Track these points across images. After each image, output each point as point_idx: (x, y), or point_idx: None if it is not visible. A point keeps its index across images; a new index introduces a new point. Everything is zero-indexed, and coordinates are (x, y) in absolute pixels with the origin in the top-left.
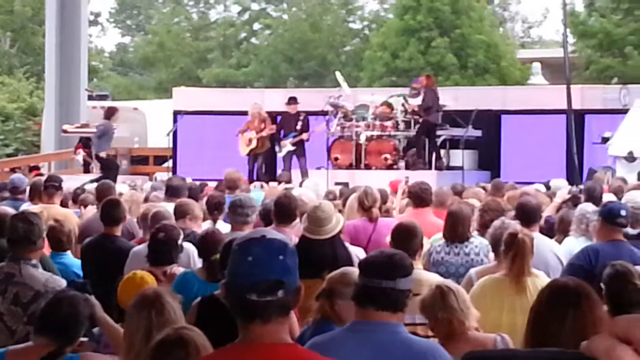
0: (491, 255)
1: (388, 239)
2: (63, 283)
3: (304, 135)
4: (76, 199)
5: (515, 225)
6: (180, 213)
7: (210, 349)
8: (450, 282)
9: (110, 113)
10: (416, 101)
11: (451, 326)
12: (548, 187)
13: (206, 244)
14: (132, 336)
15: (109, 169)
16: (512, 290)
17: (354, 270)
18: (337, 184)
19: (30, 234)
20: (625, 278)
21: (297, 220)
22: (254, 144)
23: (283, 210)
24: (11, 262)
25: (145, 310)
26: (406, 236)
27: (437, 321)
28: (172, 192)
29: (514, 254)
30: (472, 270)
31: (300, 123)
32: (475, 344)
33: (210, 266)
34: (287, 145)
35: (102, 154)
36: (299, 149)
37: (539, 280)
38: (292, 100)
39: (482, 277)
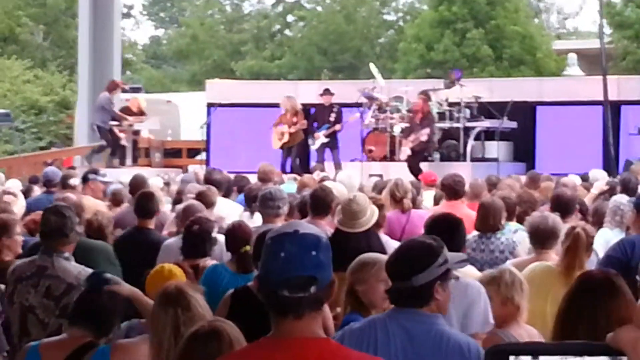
0: (518, 249)
1: (422, 230)
2: None
3: (337, 127)
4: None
5: (555, 217)
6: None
7: (244, 342)
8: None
9: (112, 87)
10: (424, 132)
11: (514, 308)
12: (584, 179)
13: (234, 236)
14: (160, 335)
15: (108, 140)
16: (560, 282)
17: (365, 255)
18: (371, 176)
19: (63, 226)
20: None
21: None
22: (286, 138)
23: (319, 203)
24: (44, 255)
25: (171, 307)
26: (446, 230)
27: (505, 302)
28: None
29: (567, 246)
30: (508, 262)
31: (333, 115)
32: (529, 334)
33: (240, 258)
34: (320, 137)
35: (104, 126)
36: (332, 141)
37: None
38: (326, 92)
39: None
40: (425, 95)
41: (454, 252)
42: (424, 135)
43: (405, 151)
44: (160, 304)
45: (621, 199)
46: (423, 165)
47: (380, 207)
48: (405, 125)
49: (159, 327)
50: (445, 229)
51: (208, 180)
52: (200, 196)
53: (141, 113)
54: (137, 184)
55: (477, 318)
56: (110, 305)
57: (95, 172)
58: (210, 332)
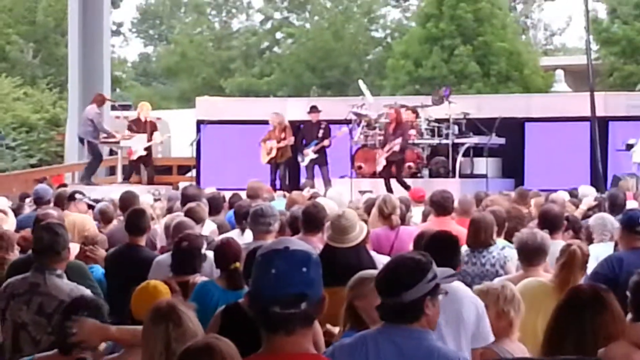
0: (508, 264)
1: (410, 246)
2: (87, 293)
3: (325, 141)
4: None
5: (544, 234)
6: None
7: (239, 359)
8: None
9: (100, 100)
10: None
11: (507, 324)
12: (573, 195)
13: (223, 253)
14: (151, 351)
15: (94, 155)
16: (553, 298)
17: (365, 271)
18: (360, 192)
19: (55, 244)
20: None
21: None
22: (273, 153)
23: (311, 220)
24: (36, 272)
25: (163, 324)
26: (443, 248)
27: (500, 315)
28: (187, 201)
29: (562, 263)
30: (497, 280)
31: (321, 131)
32: (520, 350)
33: (230, 275)
34: (309, 154)
35: (94, 141)
36: (321, 157)
37: None
38: (314, 109)
39: None
40: (413, 111)
41: (442, 267)
42: (396, 145)
43: (380, 163)
44: (152, 320)
45: (605, 216)
46: (414, 182)
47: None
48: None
49: (150, 343)
50: (444, 247)
51: (183, 195)
52: (189, 212)
53: (152, 123)
54: (127, 201)
55: (484, 331)
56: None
57: (82, 192)
58: (204, 348)
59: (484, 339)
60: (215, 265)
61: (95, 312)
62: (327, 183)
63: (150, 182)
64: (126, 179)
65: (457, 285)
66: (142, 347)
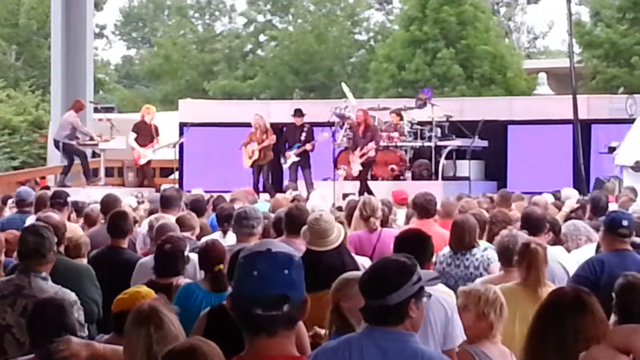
0: (492, 266)
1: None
2: (72, 296)
3: (308, 146)
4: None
5: (524, 235)
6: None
7: None
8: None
9: (78, 107)
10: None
11: (487, 326)
12: (557, 197)
13: (207, 255)
14: (133, 354)
15: (70, 155)
16: (526, 300)
17: (349, 273)
18: (344, 195)
19: (41, 247)
20: (637, 289)
21: None
22: (256, 156)
23: (294, 221)
24: (21, 275)
25: (144, 326)
26: (413, 246)
27: (479, 317)
28: (164, 203)
29: (528, 264)
30: (478, 281)
31: (304, 134)
32: (501, 352)
33: (213, 277)
34: (291, 157)
35: (71, 142)
36: (304, 160)
37: (552, 289)
38: (298, 113)
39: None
40: (397, 114)
41: (424, 270)
42: (371, 150)
43: (355, 167)
44: (134, 323)
45: (578, 223)
46: (397, 184)
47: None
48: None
49: (132, 346)
50: (414, 244)
51: (162, 197)
52: (179, 221)
53: (156, 127)
54: (109, 203)
55: (454, 332)
56: (57, 322)
57: (61, 195)
58: (187, 350)
59: (454, 340)
60: (199, 267)
61: (59, 311)
62: (310, 186)
63: (151, 184)
64: (147, 185)
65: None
66: (124, 349)
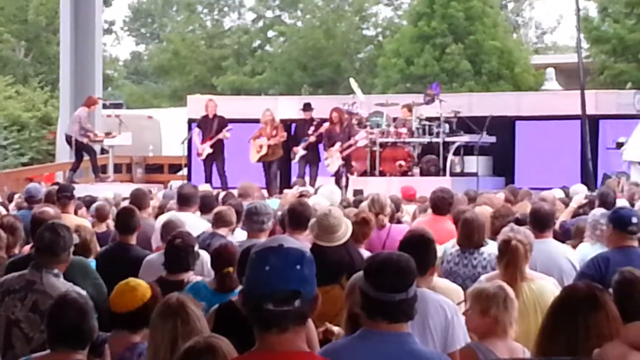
0: None
1: None
2: (83, 293)
3: (312, 138)
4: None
5: (526, 231)
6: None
7: None
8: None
9: (90, 103)
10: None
11: (492, 321)
12: (566, 193)
13: (219, 256)
14: (157, 346)
15: (79, 152)
16: None
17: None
18: (355, 191)
19: (55, 245)
20: (633, 285)
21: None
22: (264, 151)
23: (296, 218)
24: (33, 270)
25: (171, 319)
26: (415, 248)
27: (482, 313)
28: (182, 200)
29: (506, 260)
30: (482, 277)
31: (312, 128)
32: (510, 349)
33: (222, 278)
34: (299, 151)
35: (82, 140)
36: (313, 155)
37: (535, 283)
38: (307, 107)
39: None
40: (409, 109)
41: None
42: (362, 139)
43: (335, 162)
44: (161, 315)
45: (599, 213)
46: (403, 180)
47: (366, 223)
48: (385, 140)
49: (157, 337)
50: (417, 247)
51: (179, 194)
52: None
53: (220, 119)
54: (138, 197)
55: (455, 335)
56: (79, 319)
57: (67, 189)
58: (206, 347)
59: (455, 343)
60: (211, 266)
61: (80, 313)
62: (313, 181)
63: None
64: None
65: (423, 290)
66: (149, 339)
